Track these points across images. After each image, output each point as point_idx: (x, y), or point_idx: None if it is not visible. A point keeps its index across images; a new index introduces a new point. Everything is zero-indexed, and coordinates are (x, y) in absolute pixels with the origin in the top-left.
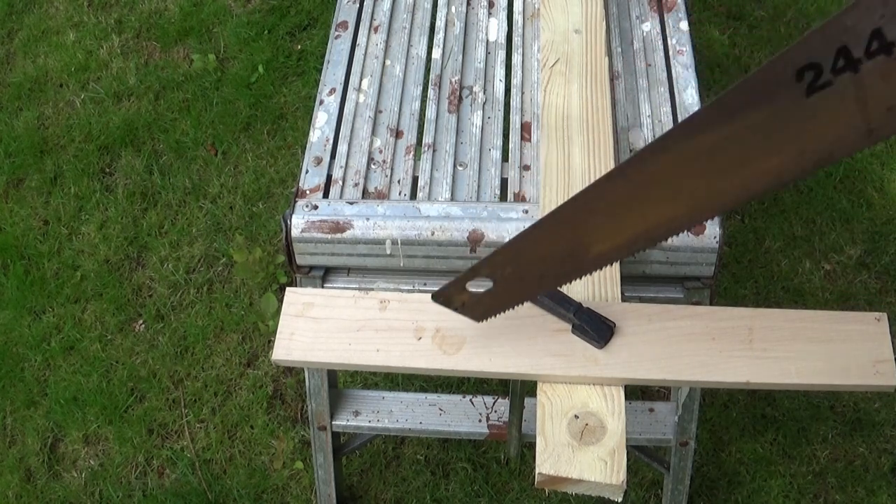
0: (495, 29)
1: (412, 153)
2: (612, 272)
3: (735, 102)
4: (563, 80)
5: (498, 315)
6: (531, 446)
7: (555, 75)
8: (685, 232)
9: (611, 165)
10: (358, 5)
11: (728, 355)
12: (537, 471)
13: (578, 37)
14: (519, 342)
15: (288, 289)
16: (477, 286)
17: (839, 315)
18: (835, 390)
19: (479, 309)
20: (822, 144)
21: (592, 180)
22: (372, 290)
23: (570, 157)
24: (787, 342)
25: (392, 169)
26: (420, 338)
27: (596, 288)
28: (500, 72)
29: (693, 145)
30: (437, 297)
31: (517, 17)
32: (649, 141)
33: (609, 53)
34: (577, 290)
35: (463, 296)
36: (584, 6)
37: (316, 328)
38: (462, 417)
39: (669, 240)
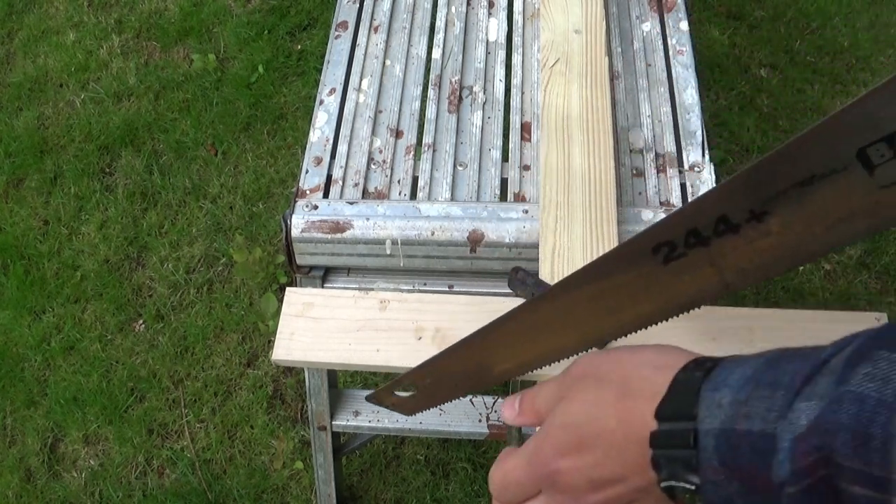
0: (495, 29)
1: (412, 153)
2: None
3: (603, 268)
4: (563, 80)
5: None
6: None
7: (555, 75)
8: None
9: (610, 165)
10: (358, 5)
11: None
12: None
13: (578, 37)
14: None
15: (288, 289)
16: (402, 392)
17: (840, 315)
18: None
19: (406, 408)
20: (684, 297)
21: (593, 180)
22: (372, 290)
23: (570, 157)
24: (788, 342)
25: (392, 169)
26: (420, 337)
27: None
28: (500, 72)
29: (572, 297)
30: (371, 398)
31: (517, 17)
32: (649, 141)
33: (609, 53)
34: None
35: (392, 399)
36: (585, 6)
37: (316, 328)
38: (462, 417)
39: None
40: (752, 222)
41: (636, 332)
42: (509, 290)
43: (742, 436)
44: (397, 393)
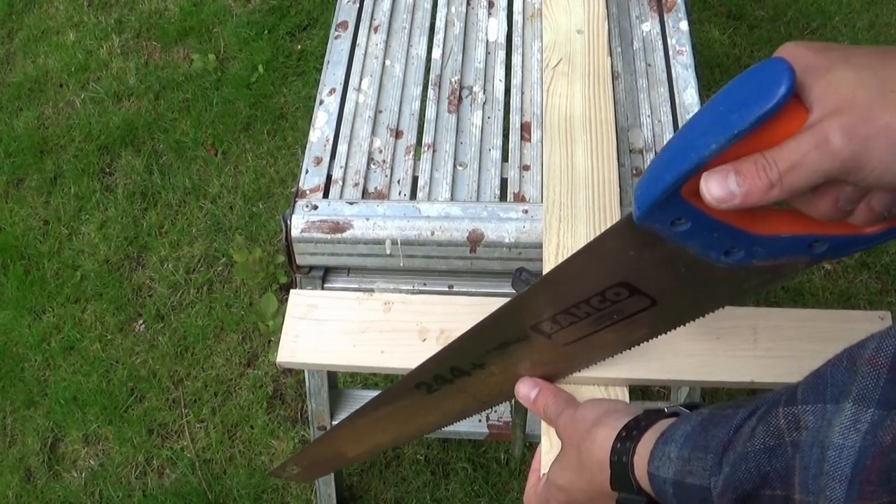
0: (495, 29)
1: (412, 153)
2: None
3: (390, 396)
4: (566, 81)
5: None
6: (531, 447)
7: (557, 76)
8: None
9: (614, 165)
10: (358, 5)
11: (732, 355)
12: (542, 471)
13: (581, 37)
14: None
15: (292, 291)
16: (291, 470)
17: (843, 314)
18: None
19: (297, 478)
20: (454, 411)
21: (596, 180)
22: (372, 289)
23: (574, 158)
24: (791, 341)
25: (392, 169)
26: (424, 339)
27: None
28: (499, 72)
29: (377, 413)
30: (273, 473)
31: (517, 17)
32: (649, 141)
33: (610, 53)
34: None
35: (286, 473)
36: (587, 6)
37: (320, 330)
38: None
39: None
40: (477, 369)
41: (435, 430)
42: (510, 290)
43: (689, 487)
44: (289, 470)
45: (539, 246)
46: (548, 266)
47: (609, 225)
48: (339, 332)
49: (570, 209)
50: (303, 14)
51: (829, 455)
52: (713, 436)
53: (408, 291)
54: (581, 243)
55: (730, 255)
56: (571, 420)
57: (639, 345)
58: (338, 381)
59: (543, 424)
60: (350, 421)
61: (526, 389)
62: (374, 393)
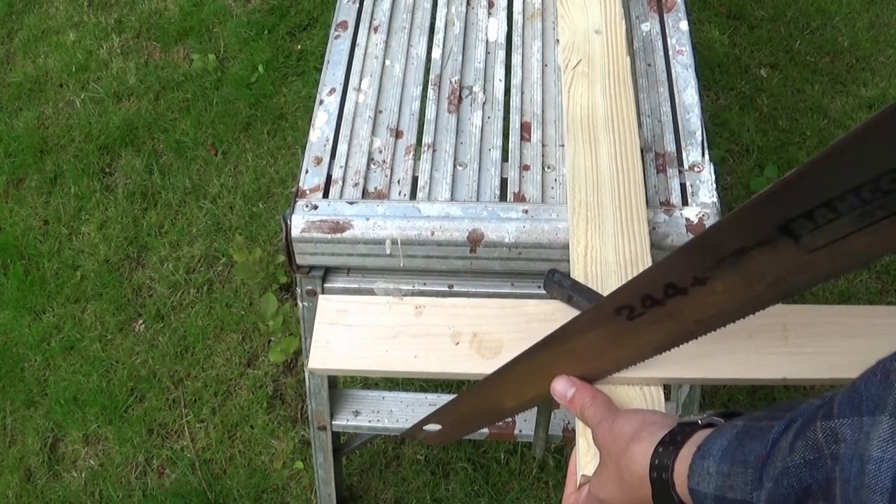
0: (495, 29)
1: (412, 153)
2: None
3: (580, 325)
4: (587, 82)
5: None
6: (531, 446)
7: (577, 76)
8: (686, 232)
9: (638, 164)
10: (358, 5)
11: (765, 352)
12: (580, 473)
13: (599, 37)
14: None
15: (321, 297)
16: (430, 428)
17: (872, 310)
18: None
19: (436, 440)
20: (652, 343)
21: (621, 179)
22: (371, 288)
23: (598, 158)
24: (822, 338)
25: (392, 169)
26: (458, 342)
27: None
28: (499, 72)
29: (561, 347)
30: (405, 434)
31: (517, 17)
32: (649, 141)
33: (629, 52)
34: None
35: (422, 434)
36: (603, 6)
37: (351, 336)
38: None
39: (669, 239)
40: (697, 286)
41: (618, 371)
42: (512, 290)
43: (731, 502)
44: (426, 429)
45: (539, 246)
46: (576, 268)
47: (637, 223)
48: (370, 337)
49: (596, 209)
50: (303, 14)
51: (868, 469)
52: (751, 450)
53: (408, 292)
54: (609, 243)
55: None
56: (609, 432)
57: (882, 257)
58: (338, 381)
59: (579, 425)
60: (517, 362)
61: (562, 388)
62: (374, 393)
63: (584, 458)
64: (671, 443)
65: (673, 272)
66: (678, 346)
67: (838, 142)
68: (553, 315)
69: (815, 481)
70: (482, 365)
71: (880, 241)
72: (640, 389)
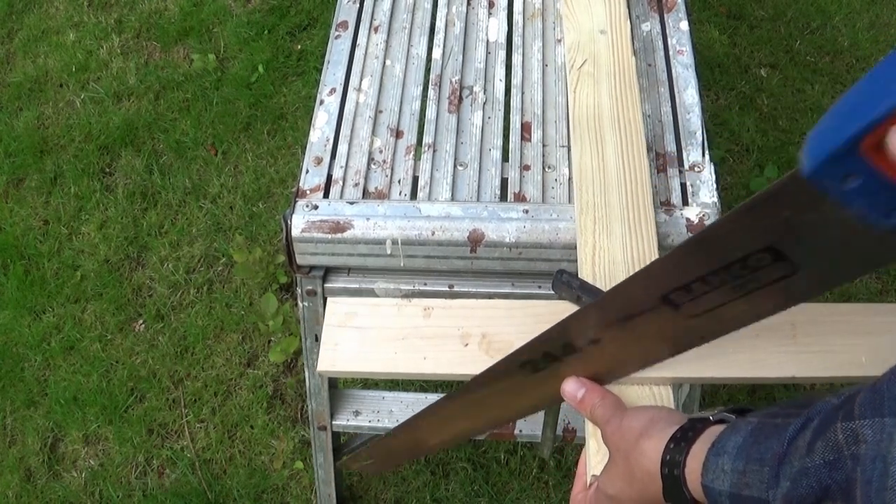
0: (495, 29)
1: (412, 153)
2: None
3: (485, 378)
4: (592, 81)
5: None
6: (531, 446)
7: (583, 76)
8: (686, 232)
9: (645, 163)
10: (358, 5)
11: (774, 351)
12: (590, 473)
13: (604, 37)
14: None
15: (330, 299)
16: (364, 461)
17: (879, 308)
18: None
19: (371, 469)
20: (555, 390)
21: (628, 179)
22: (371, 288)
23: (605, 158)
24: (830, 336)
25: (392, 169)
26: (467, 344)
27: None
28: (500, 72)
29: (472, 397)
30: (345, 466)
31: (517, 17)
32: (650, 141)
33: (634, 52)
34: None
35: (357, 465)
36: (608, 6)
37: (360, 338)
38: None
39: (670, 239)
40: (592, 345)
41: (527, 414)
42: (513, 290)
43: (747, 499)
44: (360, 462)
45: (540, 246)
46: (584, 268)
47: (644, 223)
48: (379, 339)
49: (603, 209)
50: (303, 14)
51: (891, 470)
52: (767, 448)
53: (408, 292)
54: (617, 243)
55: (890, 217)
56: (618, 429)
57: (761, 320)
58: (338, 381)
59: (589, 426)
60: (437, 407)
61: (573, 388)
62: (374, 393)
63: (595, 459)
64: (682, 439)
65: (571, 333)
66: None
67: (710, 227)
68: (562, 316)
69: (834, 482)
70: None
71: (756, 307)
72: (649, 389)
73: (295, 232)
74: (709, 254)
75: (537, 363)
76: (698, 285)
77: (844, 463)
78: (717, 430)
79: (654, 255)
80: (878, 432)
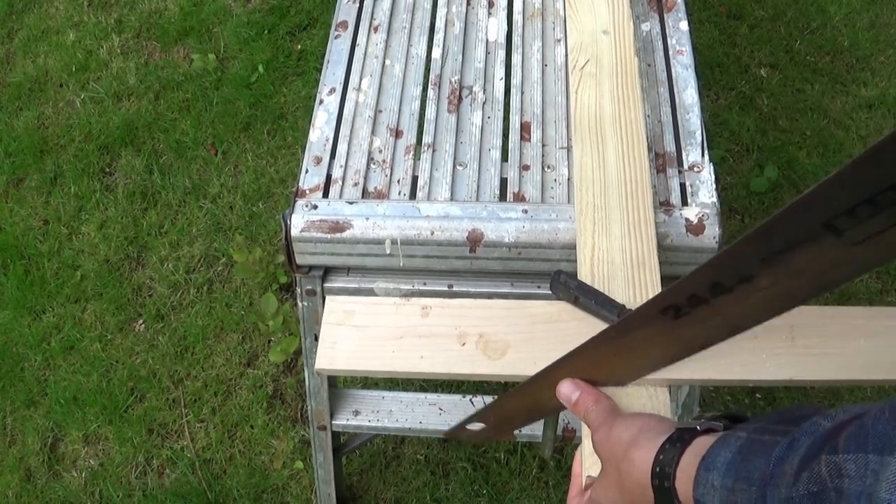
0: (495, 29)
1: (412, 153)
2: (652, 276)
3: (627, 326)
4: (594, 82)
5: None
6: (531, 446)
7: (585, 77)
8: (685, 232)
9: (645, 165)
10: (358, 5)
11: (772, 353)
12: (585, 473)
13: (607, 37)
14: (563, 345)
15: (328, 298)
16: (473, 427)
17: (879, 311)
18: (879, 385)
19: (478, 438)
20: (698, 339)
21: (628, 181)
22: (371, 288)
23: (605, 159)
24: (828, 339)
25: (392, 169)
26: (464, 343)
27: (637, 291)
28: (499, 72)
29: (601, 349)
30: (449, 434)
31: (517, 17)
32: (649, 141)
33: (637, 53)
34: (619, 292)
35: (465, 432)
36: (611, 7)
37: (359, 336)
38: (462, 417)
39: (669, 239)
40: (743, 283)
41: (664, 366)
42: (512, 290)
43: None
44: (469, 427)
45: (539, 246)
46: (583, 269)
47: (644, 224)
48: (377, 337)
49: (603, 211)
50: (303, 14)
51: None
52: (755, 467)
53: (407, 291)
54: (616, 244)
55: None
56: (607, 439)
57: None
58: (338, 381)
59: (584, 427)
60: (565, 361)
61: (567, 391)
62: (374, 392)
63: (590, 460)
64: (671, 450)
65: (723, 270)
66: (720, 342)
67: (875, 145)
68: (559, 316)
69: None
70: (488, 366)
71: None
72: (646, 390)
73: (294, 232)
74: (881, 170)
75: (680, 307)
76: (865, 207)
77: (828, 495)
78: (705, 441)
79: (653, 257)
80: (861, 468)
